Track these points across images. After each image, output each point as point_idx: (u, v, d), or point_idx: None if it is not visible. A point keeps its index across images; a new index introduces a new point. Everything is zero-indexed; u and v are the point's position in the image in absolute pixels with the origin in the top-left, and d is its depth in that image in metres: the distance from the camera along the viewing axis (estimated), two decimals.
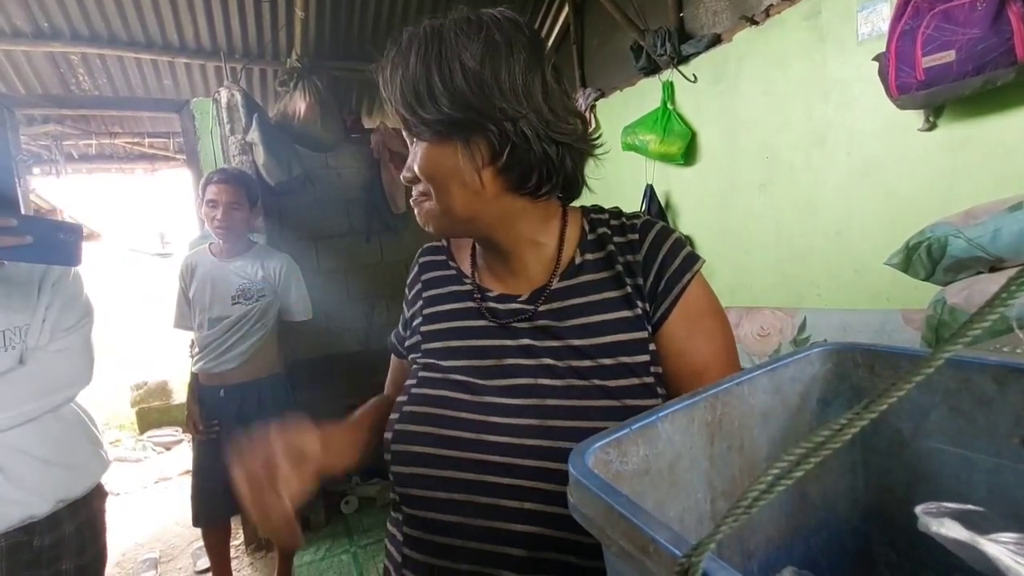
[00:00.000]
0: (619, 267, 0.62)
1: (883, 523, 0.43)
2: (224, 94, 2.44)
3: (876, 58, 1.53)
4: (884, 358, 0.42)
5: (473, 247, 0.71)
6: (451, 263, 0.72)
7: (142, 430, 4.83)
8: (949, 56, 1.31)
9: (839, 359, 0.45)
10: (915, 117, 1.57)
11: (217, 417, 2.02)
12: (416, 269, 0.75)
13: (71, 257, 1.12)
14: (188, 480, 2.15)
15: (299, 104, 2.57)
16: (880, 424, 0.42)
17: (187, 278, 2.05)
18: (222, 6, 2.48)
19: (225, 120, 2.44)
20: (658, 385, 0.59)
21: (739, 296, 2.25)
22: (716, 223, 2.32)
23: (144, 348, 6.38)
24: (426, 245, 0.76)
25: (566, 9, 3.01)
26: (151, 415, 4.88)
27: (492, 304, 0.65)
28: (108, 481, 1.50)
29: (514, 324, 0.63)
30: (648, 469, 0.38)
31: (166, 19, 2.45)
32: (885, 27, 1.52)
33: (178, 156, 3.48)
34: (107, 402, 5.13)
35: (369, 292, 3.22)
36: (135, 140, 3.33)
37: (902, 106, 1.50)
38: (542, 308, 0.62)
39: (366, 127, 3.21)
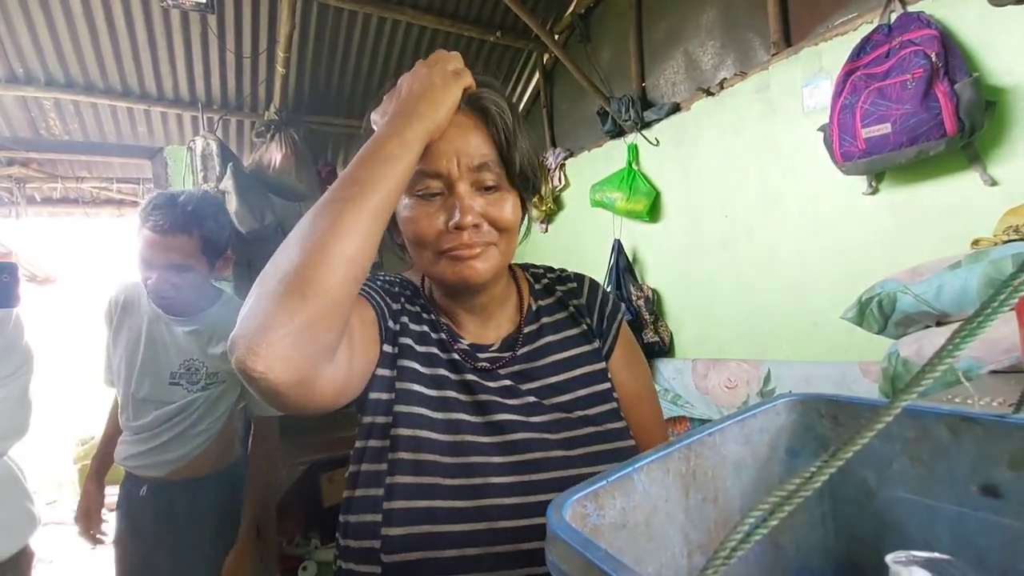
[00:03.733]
0: (572, 308, 0.71)
1: (855, 574, 0.43)
2: (199, 142, 2.45)
3: (821, 128, 1.66)
4: (847, 408, 0.43)
5: (429, 304, 0.68)
6: (428, 313, 0.67)
7: None
8: (886, 128, 1.44)
9: (804, 410, 0.46)
10: (859, 182, 1.70)
11: (130, 519, 1.42)
12: (403, 300, 0.66)
13: (7, 299, 1.07)
14: None
15: (275, 154, 2.59)
16: (847, 474, 0.43)
17: (115, 317, 1.41)
18: (203, 61, 2.53)
19: (199, 168, 2.44)
20: (619, 408, 0.66)
21: (706, 348, 2.29)
22: (682, 277, 2.39)
23: (94, 399, 5.99)
24: (405, 276, 0.71)
25: (537, 75, 3.19)
26: None
27: (467, 353, 0.66)
28: (43, 545, 1.38)
29: (498, 371, 0.65)
30: (625, 523, 0.38)
31: (146, 70, 2.48)
32: (828, 101, 1.67)
33: None
34: (47, 458, 4.74)
35: None
36: (102, 185, 3.26)
37: (847, 172, 1.63)
38: (520, 352, 0.66)
39: None
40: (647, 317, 2.42)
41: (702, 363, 2.26)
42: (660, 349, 2.42)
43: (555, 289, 0.73)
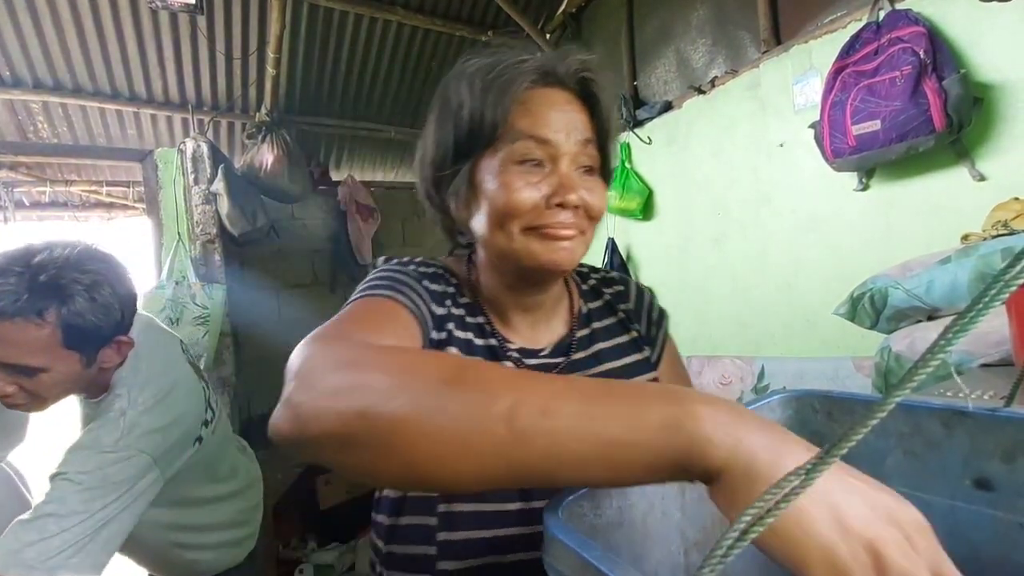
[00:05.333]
0: (621, 314, 0.67)
1: None
2: (190, 145, 2.43)
3: (812, 126, 1.67)
4: (840, 404, 0.44)
5: (476, 300, 0.62)
6: (474, 314, 0.60)
7: None
8: (875, 125, 1.45)
9: (799, 406, 0.46)
10: (850, 178, 1.71)
11: None
12: (448, 302, 0.58)
13: None
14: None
15: (266, 156, 2.57)
16: None
17: None
18: (193, 62, 2.51)
19: (189, 170, 2.42)
20: None
21: (700, 345, 2.30)
22: (675, 275, 2.40)
23: None
24: (430, 259, 0.62)
25: None
26: None
27: (518, 361, 0.59)
28: None
29: None
30: (622, 521, 0.38)
31: (135, 72, 2.46)
32: (818, 98, 1.68)
33: (137, 205, 3.39)
34: (40, 463, 4.68)
35: None
36: (92, 188, 3.23)
37: (837, 169, 1.64)
38: (574, 358, 0.61)
39: (333, 179, 3.23)
40: None
41: (696, 360, 2.26)
42: None
43: (602, 291, 0.69)
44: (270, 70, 2.55)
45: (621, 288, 0.70)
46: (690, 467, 0.27)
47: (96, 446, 0.87)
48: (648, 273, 2.53)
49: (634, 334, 0.66)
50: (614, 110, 0.57)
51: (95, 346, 0.88)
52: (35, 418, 1.18)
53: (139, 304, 1.00)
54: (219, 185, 2.40)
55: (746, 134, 2.04)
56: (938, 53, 1.40)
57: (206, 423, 1.05)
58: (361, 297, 0.52)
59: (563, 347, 0.62)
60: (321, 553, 2.64)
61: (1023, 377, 0.31)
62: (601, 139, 0.56)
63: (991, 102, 1.41)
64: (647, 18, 2.53)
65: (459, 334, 0.57)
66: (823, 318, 1.73)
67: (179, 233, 2.39)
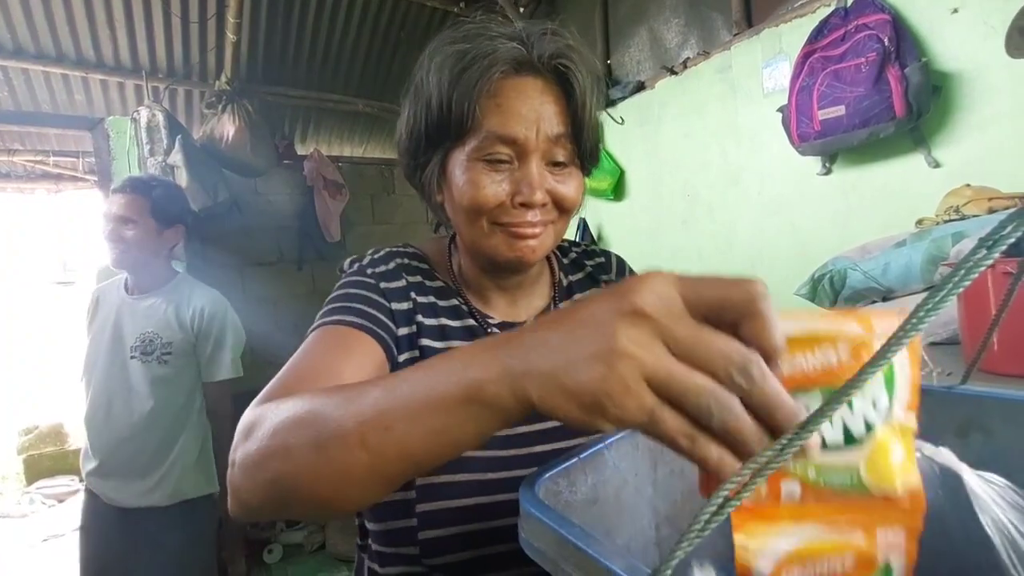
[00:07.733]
0: (603, 285, 0.68)
1: None
2: (144, 113, 2.30)
3: (780, 110, 1.70)
4: None
5: (453, 270, 0.63)
6: (448, 297, 0.62)
7: (30, 481, 4.24)
8: (840, 111, 1.49)
9: None
10: (814, 162, 1.75)
11: (92, 546, 1.55)
12: (413, 294, 0.59)
13: None
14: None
15: (227, 128, 2.46)
16: None
17: (91, 314, 1.58)
18: (146, 24, 2.36)
19: (144, 140, 2.29)
20: None
21: None
22: (645, 255, 2.44)
23: (36, 388, 5.67)
24: (394, 250, 0.63)
25: None
26: (42, 463, 4.30)
27: (498, 333, 0.60)
28: None
29: None
30: (596, 498, 0.39)
31: (82, 33, 2.29)
32: (786, 82, 1.70)
33: (87, 177, 3.20)
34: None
35: (300, 323, 3.06)
36: (37, 158, 3.03)
37: (803, 153, 1.67)
38: None
39: (299, 153, 3.13)
40: None
41: None
42: None
43: (584, 263, 0.71)
44: (230, 36, 2.42)
45: (602, 260, 0.72)
46: (482, 402, 0.28)
47: (228, 330, 1.53)
48: (618, 252, 2.56)
49: None
50: (591, 97, 0.54)
51: (166, 222, 1.50)
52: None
53: (94, 281, 1.43)
54: (177, 157, 2.28)
55: (716, 116, 2.06)
56: (901, 41, 1.44)
57: None
58: (321, 327, 0.53)
59: None
60: (290, 533, 2.63)
61: (978, 357, 0.33)
62: (576, 129, 0.54)
63: (949, 91, 1.46)
64: None
65: (430, 322, 0.58)
66: (783, 298, 1.79)
67: None
